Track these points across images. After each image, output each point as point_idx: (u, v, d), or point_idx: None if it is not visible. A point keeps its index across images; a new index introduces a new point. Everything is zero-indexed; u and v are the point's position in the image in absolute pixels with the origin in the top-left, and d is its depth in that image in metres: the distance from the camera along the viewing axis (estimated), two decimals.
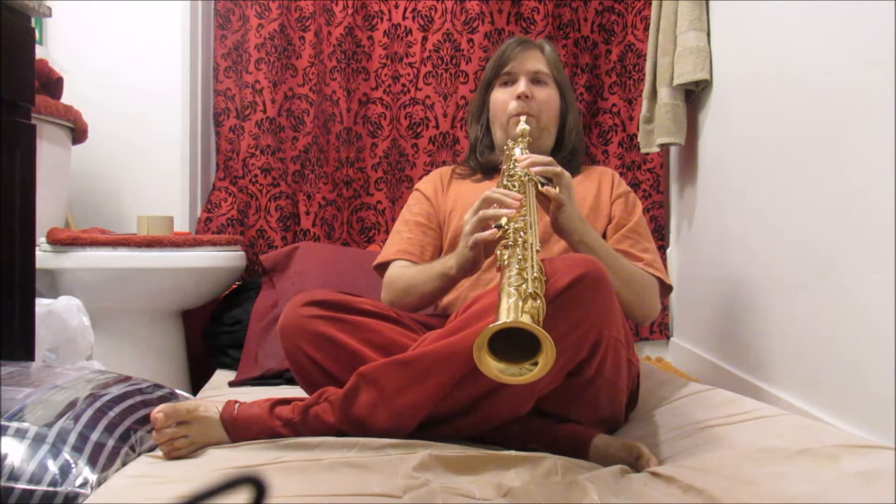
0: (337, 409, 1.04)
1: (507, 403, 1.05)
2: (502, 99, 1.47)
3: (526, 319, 0.80)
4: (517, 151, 1.29)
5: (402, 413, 1.02)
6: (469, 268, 1.18)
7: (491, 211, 1.09)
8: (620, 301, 1.27)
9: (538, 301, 0.85)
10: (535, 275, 0.88)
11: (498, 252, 1.00)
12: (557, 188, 1.19)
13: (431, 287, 1.28)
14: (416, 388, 1.01)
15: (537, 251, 0.95)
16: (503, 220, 1.04)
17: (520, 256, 0.93)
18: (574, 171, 1.46)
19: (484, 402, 1.04)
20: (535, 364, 0.81)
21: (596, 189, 1.45)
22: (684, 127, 1.87)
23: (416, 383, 1.01)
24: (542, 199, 1.19)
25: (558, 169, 1.21)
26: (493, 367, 0.83)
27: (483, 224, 1.10)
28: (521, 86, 1.44)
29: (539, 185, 1.17)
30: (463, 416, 1.06)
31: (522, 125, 1.37)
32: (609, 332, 1.05)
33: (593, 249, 1.22)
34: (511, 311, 0.82)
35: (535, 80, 1.47)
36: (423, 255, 1.42)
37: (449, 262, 1.22)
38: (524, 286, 0.86)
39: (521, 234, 0.99)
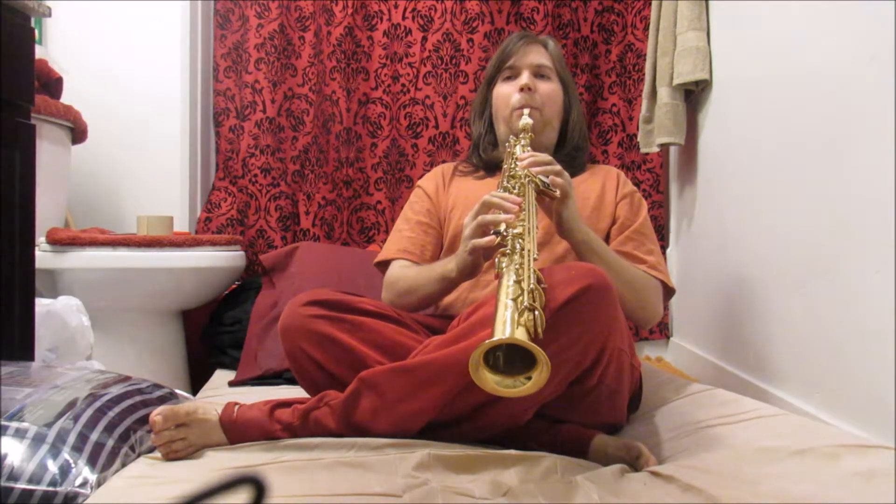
0: (338, 414, 1.03)
1: (509, 412, 1.04)
2: (505, 92, 1.45)
3: (521, 333, 0.79)
4: (518, 150, 1.28)
5: (403, 420, 1.02)
6: (469, 272, 1.18)
7: (489, 217, 1.08)
8: (621, 303, 1.26)
9: (536, 313, 0.83)
10: (531, 286, 0.87)
11: (496, 259, 0.99)
12: (558, 191, 1.18)
13: (432, 289, 1.28)
14: (418, 396, 1.01)
15: (535, 259, 0.94)
16: (502, 227, 1.02)
17: (517, 265, 0.92)
18: (579, 169, 1.45)
19: (485, 410, 1.03)
20: (529, 378, 0.80)
21: (600, 188, 1.43)
22: (684, 127, 1.87)
23: (419, 391, 1.01)
24: (545, 196, 1.18)
25: (558, 168, 1.20)
26: (490, 381, 0.82)
27: (481, 230, 1.10)
28: (524, 78, 1.42)
29: (539, 186, 1.17)
30: (464, 423, 1.05)
31: (525, 119, 1.35)
32: (613, 343, 1.04)
33: (595, 251, 1.22)
34: (507, 325, 0.80)
35: (538, 73, 1.45)
36: (423, 255, 1.42)
37: (449, 266, 1.22)
38: (521, 298, 0.85)
39: (520, 240, 0.98)
